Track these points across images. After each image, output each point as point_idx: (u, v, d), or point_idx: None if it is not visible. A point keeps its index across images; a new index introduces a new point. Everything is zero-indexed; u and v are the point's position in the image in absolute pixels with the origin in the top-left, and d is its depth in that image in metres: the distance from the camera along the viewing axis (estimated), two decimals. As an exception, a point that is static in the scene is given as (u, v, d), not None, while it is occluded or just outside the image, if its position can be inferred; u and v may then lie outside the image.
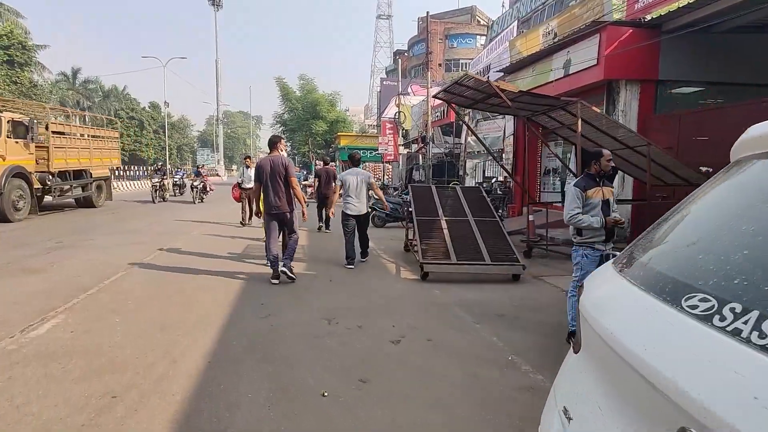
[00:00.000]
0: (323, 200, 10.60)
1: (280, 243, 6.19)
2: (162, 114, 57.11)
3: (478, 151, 20.28)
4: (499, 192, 14.59)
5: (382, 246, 9.03)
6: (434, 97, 7.57)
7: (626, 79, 9.32)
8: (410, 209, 7.58)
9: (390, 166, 25.12)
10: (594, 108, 6.77)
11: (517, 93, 6.47)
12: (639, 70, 9.24)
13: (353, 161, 7.50)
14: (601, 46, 9.20)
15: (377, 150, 28.08)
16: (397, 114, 23.14)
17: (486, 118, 21.89)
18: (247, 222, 11.43)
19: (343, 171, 8.46)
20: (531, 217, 10.07)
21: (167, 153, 46.10)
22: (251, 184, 9.74)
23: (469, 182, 19.44)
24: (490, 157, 19.45)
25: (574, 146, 8.35)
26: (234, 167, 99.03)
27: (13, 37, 36.07)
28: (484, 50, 18.36)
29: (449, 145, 24.86)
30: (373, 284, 5.96)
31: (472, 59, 50.80)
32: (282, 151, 5.98)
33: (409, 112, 23.89)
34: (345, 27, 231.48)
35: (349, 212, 7.00)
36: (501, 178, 15.03)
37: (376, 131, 40.55)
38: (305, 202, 6.16)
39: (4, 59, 35.27)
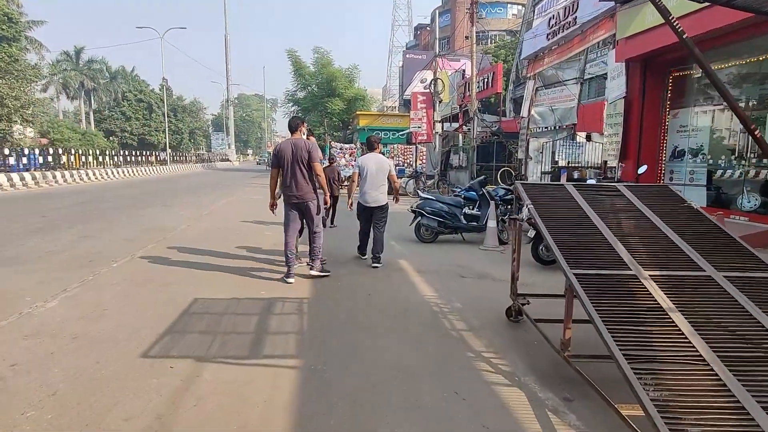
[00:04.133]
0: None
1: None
2: (169, 95, 53.38)
3: (542, 128, 15.57)
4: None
5: (457, 300, 4.61)
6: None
7: None
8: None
9: (424, 149, 20.48)
10: None
11: None
12: None
13: (369, 145, 6.41)
14: None
15: (404, 131, 23.50)
16: (432, 83, 18.44)
17: (548, 85, 17.11)
18: None
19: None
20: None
21: (167, 135, 42.16)
22: None
23: (533, 169, 14.74)
24: (561, 136, 14.78)
25: None
26: (249, 152, 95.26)
27: (-3, 9, 32.33)
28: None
29: (489, 123, 20.19)
30: None
31: (503, 31, 45.48)
32: (303, 134, 5.46)
33: (448, 81, 19.18)
34: (359, 6, 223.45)
35: (366, 204, 6.16)
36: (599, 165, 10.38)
37: (397, 112, 35.93)
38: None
39: (-11, 33, 31.64)
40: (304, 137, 5.47)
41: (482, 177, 8.69)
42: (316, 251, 5.42)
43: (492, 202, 7.67)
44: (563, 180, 10.46)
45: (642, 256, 3.10)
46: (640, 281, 2.85)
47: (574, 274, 2.90)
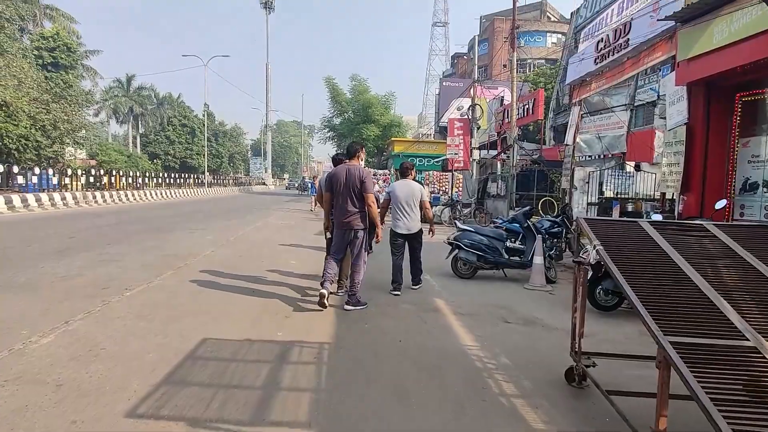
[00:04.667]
0: None
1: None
2: (211, 120, 55.20)
3: (587, 156, 14.73)
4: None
5: (502, 353, 3.90)
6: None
7: None
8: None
9: (460, 176, 19.85)
10: None
11: None
12: None
13: (402, 172, 6.40)
14: None
15: (440, 157, 23.00)
16: (470, 109, 17.94)
17: (594, 112, 16.30)
18: None
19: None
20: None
21: (205, 159, 43.24)
22: None
23: (578, 199, 13.84)
24: (609, 165, 13.88)
25: None
26: (285, 176, 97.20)
27: (59, 39, 34.58)
28: (605, 12, 12.88)
29: (529, 151, 19.44)
30: None
31: (542, 59, 44.92)
32: (362, 160, 5.37)
33: (487, 107, 18.64)
34: (396, 37, 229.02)
35: (398, 230, 6.08)
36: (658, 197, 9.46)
37: (433, 139, 35.61)
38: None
39: (49, 61, 33.77)
40: (362, 163, 5.40)
41: (527, 207, 7.95)
42: (355, 285, 5.16)
43: (539, 236, 6.94)
44: (615, 213, 9.58)
45: (758, 321, 2.37)
46: (765, 357, 2.12)
47: (671, 343, 2.20)
